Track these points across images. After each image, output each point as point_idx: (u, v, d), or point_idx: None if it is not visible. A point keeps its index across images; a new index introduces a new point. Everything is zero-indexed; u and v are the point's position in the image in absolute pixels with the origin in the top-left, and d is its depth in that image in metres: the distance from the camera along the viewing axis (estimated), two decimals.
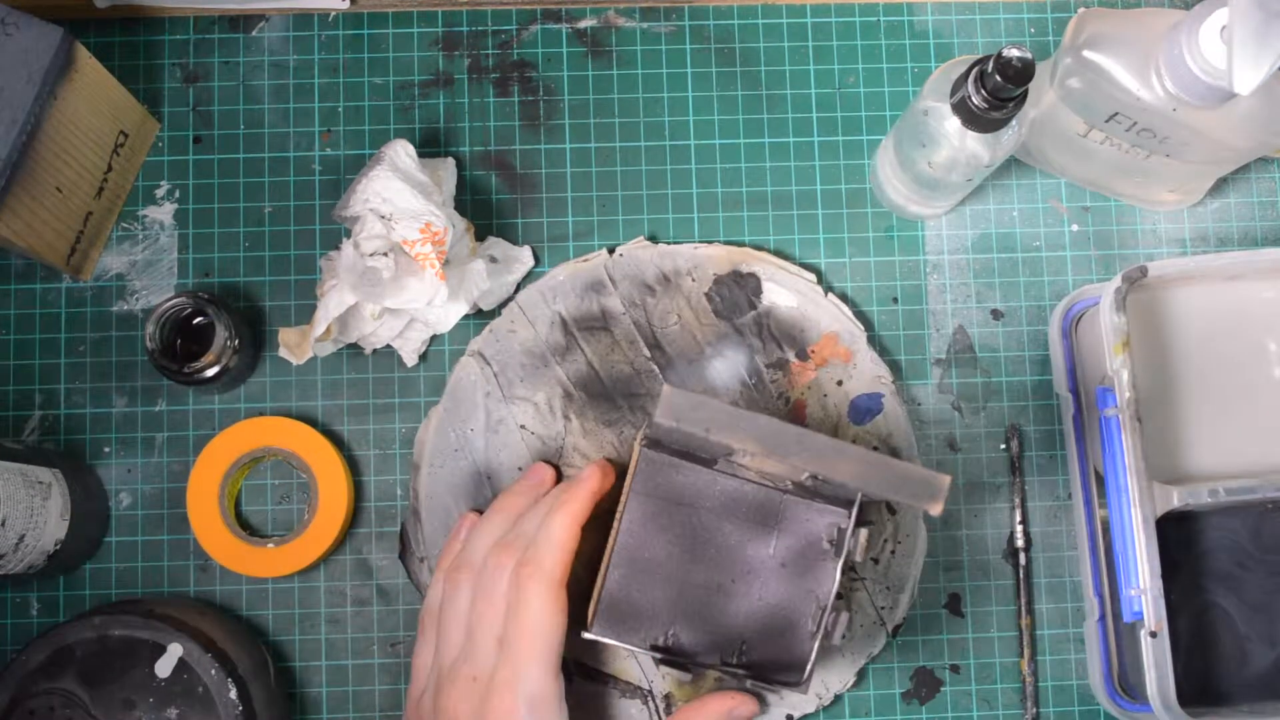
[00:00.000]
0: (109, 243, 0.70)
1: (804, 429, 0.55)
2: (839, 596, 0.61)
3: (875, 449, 0.67)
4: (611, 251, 0.69)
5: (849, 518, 0.59)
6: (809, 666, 0.58)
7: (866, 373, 0.69)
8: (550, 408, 0.68)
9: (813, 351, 0.69)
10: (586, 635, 0.59)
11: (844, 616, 0.58)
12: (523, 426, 0.68)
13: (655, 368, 0.68)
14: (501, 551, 0.59)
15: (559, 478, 0.66)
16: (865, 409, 0.69)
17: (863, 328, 0.69)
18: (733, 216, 0.72)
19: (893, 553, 0.68)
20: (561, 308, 0.68)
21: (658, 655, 0.59)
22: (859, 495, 0.57)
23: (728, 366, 0.68)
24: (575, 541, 0.59)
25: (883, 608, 0.67)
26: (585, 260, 0.69)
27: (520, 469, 0.67)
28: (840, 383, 0.69)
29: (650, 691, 0.66)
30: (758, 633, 0.59)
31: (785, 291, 0.69)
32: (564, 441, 0.68)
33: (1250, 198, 0.74)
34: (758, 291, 0.69)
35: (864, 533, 0.59)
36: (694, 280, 0.69)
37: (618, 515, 0.60)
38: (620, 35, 0.73)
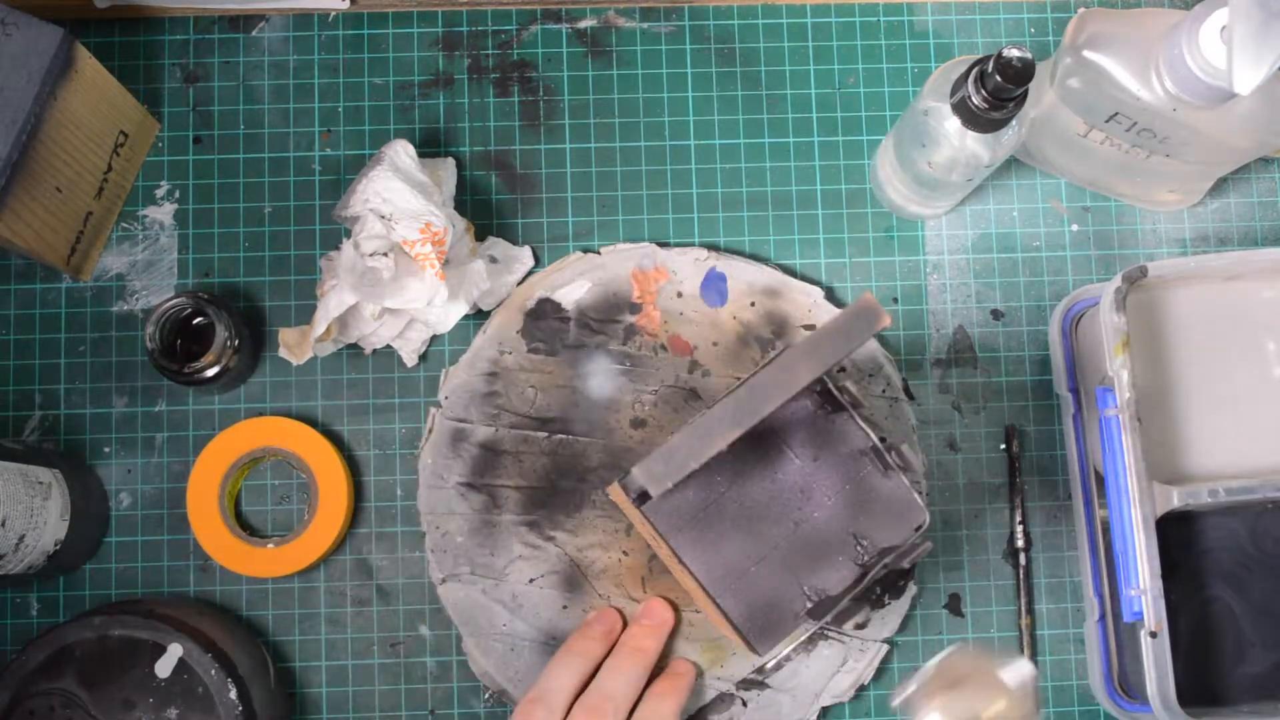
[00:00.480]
0: (109, 243, 0.70)
1: (749, 382, 0.54)
2: (882, 440, 0.62)
3: (753, 304, 0.69)
4: (439, 405, 0.68)
5: (821, 388, 0.60)
6: (916, 500, 0.59)
7: (686, 266, 0.69)
8: (532, 546, 0.68)
9: (638, 298, 0.69)
10: (765, 656, 0.59)
11: (903, 447, 0.59)
12: (531, 581, 0.67)
13: (561, 436, 0.68)
14: (590, 714, 0.60)
15: (624, 621, 0.67)
16: (714, 289, 0.69)
17: (647, 243, 0.70)
18: (733, 216, 0.72)
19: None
20: (455, 478, 0.68)
21: (827, 620, 0.59)
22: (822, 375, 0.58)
23: (600, 377, 0.68)
24: None
25: (883, 390, 0.68)
26: (430, 431, 0.68)
27: (565, 607, 0.67)
28: (679, 294, 0.69)
29: (821, 626, 0.67)
30: (857, 521, 0.60)
31: (573, 285, 0.69)
32: (569, 555, 0.67)
33: (1250, 198, 0.74)
34: (557, 308, 0.69)
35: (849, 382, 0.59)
36: (509, 353, 0.69)
37: (670, 561, 0.60)
38: (620, 35, 0.73)
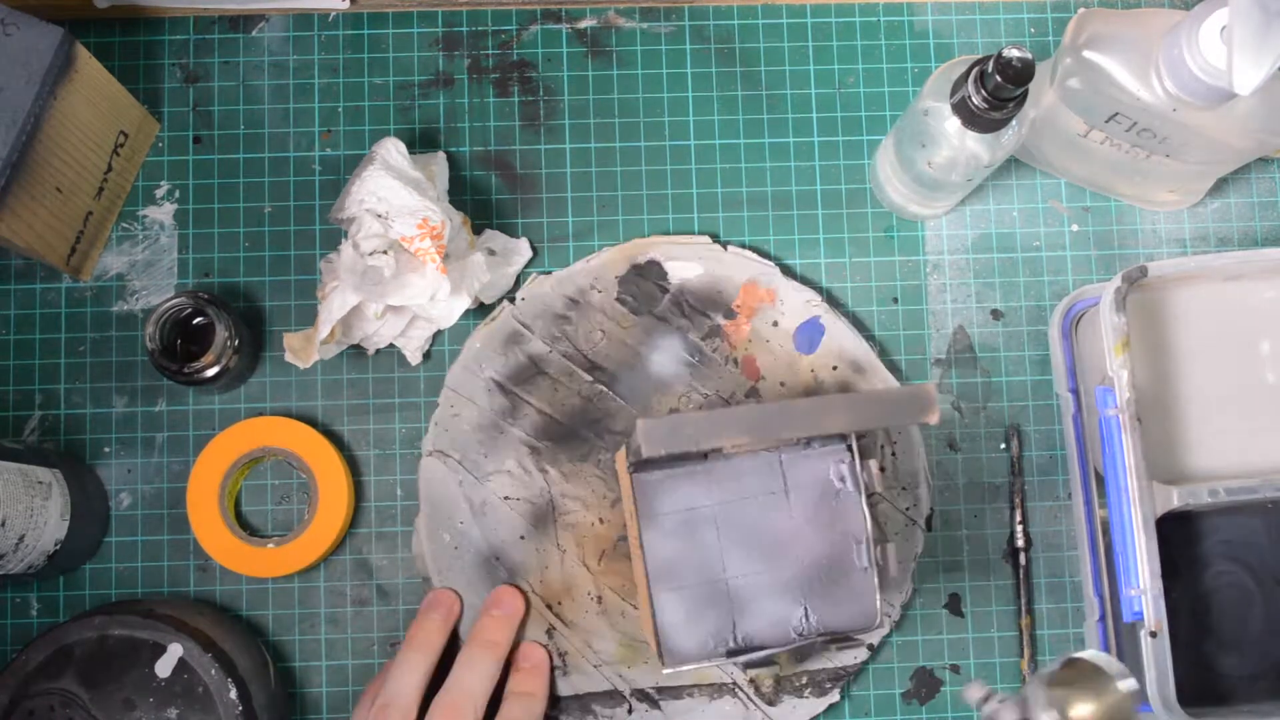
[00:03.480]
0: (109, 243, 0.70)
1: (783, 402, 0.55)
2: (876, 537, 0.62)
3: (835, 368, 0.68)
4: (513, 300, 0.69)
5: (847, 450, 0.60)
6: (876, 605, 0.59)
7: (795, 303, 0.69)
8: (524, 469, 0.68)
9: (737, 307, 0.69)
10: (666, 672, 0.59)
11: (890, 547, 0.59)
12: (506, 498, 0.68)
13: (602, 388, 0.68)
14: (449, 713, 0.60)
15: (525, 603, 0.67)
16: (808, 337, 0.69)
17: (773, 264, 0.70)
18: (733, 216, 0.72)
19: (894, 455, 0.68)
20: (491, 373, 0.68)
21: (739, 660, 0.59)
22: (851, 435, 0.58)
23: (666, 356, 0.69)
24: None
25: (907, 508, 0.68)
26: (492, 320, 0.69)
27: (523, 538, 0.67)
28: (775, 323, 0.69)
29: (735, 684, 0.67)
30: (815, 595, 0.60)
31: (688, 264, 0.69)
32: (551, 494, 0.68)
33: (1250, 198, 0.74)
34: (662, 276, 0.69)
35: (873, 464, 0.60)
36: (599, 291, 0.69)
37: (635, 544, 0.60)
38: (620, 35, 0.73)
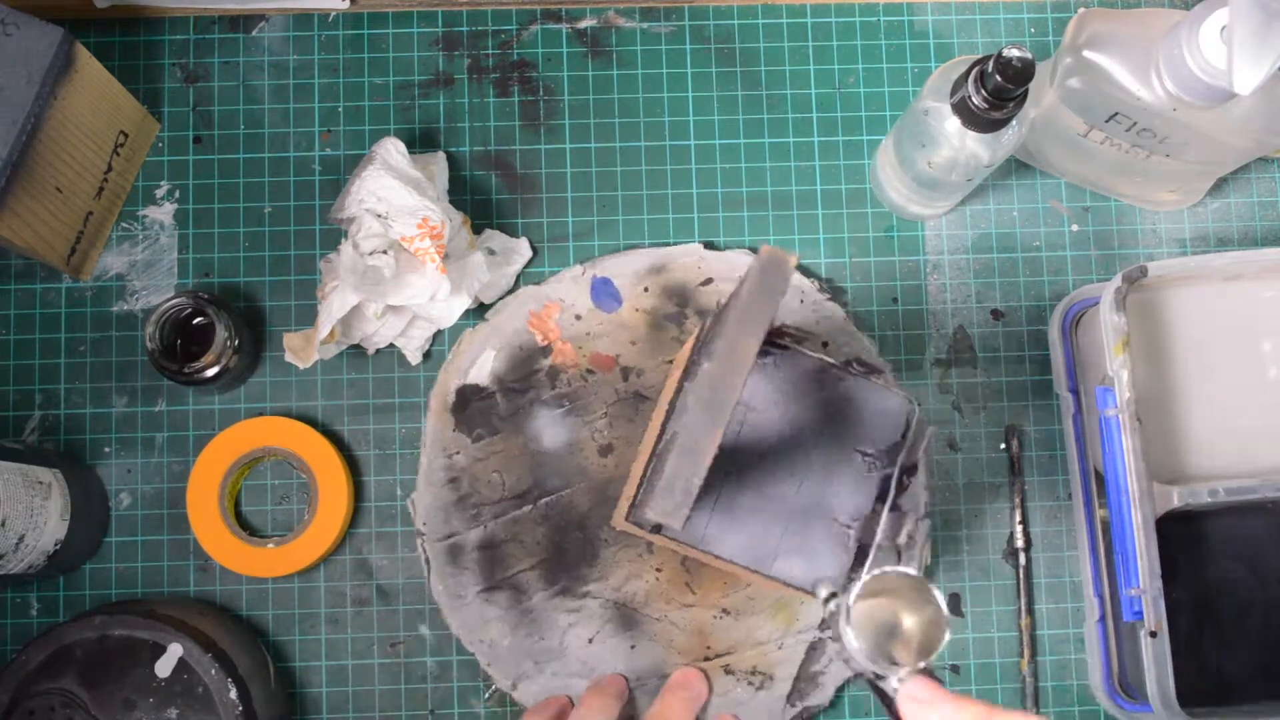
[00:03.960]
0: (109, 243, 0.70)
1: (701, 378, 0.53)
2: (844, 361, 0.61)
3: (645, 289, 0.68)
4: (421, 534, 0.68)
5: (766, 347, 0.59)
6: (898, 391, 0.59)
7: (568, 289, 0.69)
8: (572, 610, 0.67)
9: (543, 341, 0.69)
10: (854, 591, 0.59)
11: (861, 355, 0.58)
12: (590, 641, 0.67)
13: (546, 498, 0.67)
14: None
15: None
16: (605, 296, 0.69)
17: (524, 287, 0.69)
18: (733, 216, 0.72)
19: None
20: (473, 588, 0.67)
21: (880, 538, 0.58)
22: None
23: (550, 429, 0.68)
24: None
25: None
26: (427, 560, 0.67)
27: (633, 647, 0.67)
28: (577, 316, 0.69)
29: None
30: (858, 437, 0.59)
31: (480, 361, 0.68)
32: (610, 599, 0.67)
33: (1250, 198, 0.74)
34: (477, 392, 0.68)
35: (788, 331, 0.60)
36: (456, 453, 0.68)
37: (710, 560, 0.60)
38: (620, 35, 0.73)
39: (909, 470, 0.61)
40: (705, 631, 0.67)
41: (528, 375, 0.69)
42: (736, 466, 0.59)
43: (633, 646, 0.67)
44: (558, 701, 0.66)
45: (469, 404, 0.68)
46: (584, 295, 0.69)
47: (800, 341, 0.60)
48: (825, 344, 0.69)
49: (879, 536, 0.59)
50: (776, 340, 0.60)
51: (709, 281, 0.69)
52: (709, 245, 0.70)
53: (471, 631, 0.67)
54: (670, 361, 0.68)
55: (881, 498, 0.59)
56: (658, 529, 0.58)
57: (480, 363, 0.69)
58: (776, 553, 0.59)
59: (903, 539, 0.61)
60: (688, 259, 0.69)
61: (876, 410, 0.59)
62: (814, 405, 0.60)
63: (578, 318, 0.69)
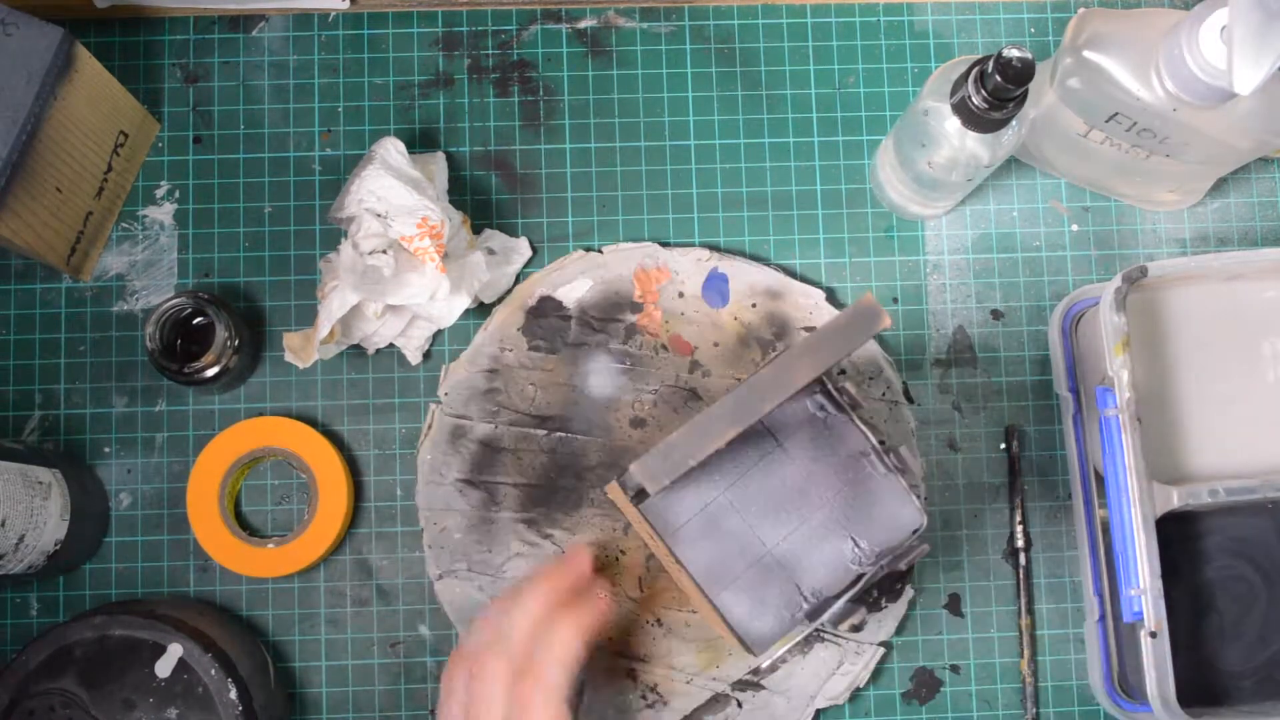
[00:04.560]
0: (109, 243, 0.70)
1: (748, 382, 0.54)
2: (880, 443, 0.61)
3: (754, 305, 0.69)
4: (439, 401, 0.68)
5: (821, 389, 0.60)
6: (915, 503, 0.59)
7: (688, 267, 0.69)
8: (529, 543, 0.68)
9: (640, 297, 0.69)
10: (761, 658, 0.58)
11: (902, 448, 0.59)
12: (517, 553, 0.67)
13: (560, 434, 0.68)
14: (496, 657, 0.56)
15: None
16: (716, 290, 0.69)
17: (650, 242, 0.70)
18: (733, 216, 0.72)
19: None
20: (454, 475, 0.68)
21: (823, 621, 0.58)
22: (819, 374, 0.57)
23: (601, 376, 0.69)
24: (582, 657, 0.56)
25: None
26: (429, 426, 0.68)
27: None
28: (680, 294, 0.69)
29: (819, 630, 0.66)
30: (856, 523, 0.59)
31: (575, 283, 0.69)
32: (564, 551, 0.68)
33: (1250, 198, 0.74)
34: (558, 307, 0.69)
35: (845, 383, 0.60)
36: (509, 350, 0.69)
37: (669, 562, 0.60)
38: (620, 35, 0.73)
39: (897, 578, 0.61)
40: (632, 631, 0.67)
41: (608, 320, 0.69)
42: (740, 489, 0.59)
43: None
44: (576, 565, 0.61)
45: (546, 315, 0.69)
46: (698, 279, 0.69)
47: (855, 408, 0.60)
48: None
49: (822, 619, 0.59)
50: (836, 392, 0.60)
51: (811, 329, 0.69)
52: (829, 297, 0.70)
53: (431, 508, 0.68)
54: (740, 380, 0.68)
55: (847, 591, 0.59)
56: (640, 496, 0.58)
57: (576, 285, 0.69)
58: (730, 584, 0.59)
59: (844, 628, 0.62)
60: (804, 300, 0.70)
61: (887, 506, 0.59)
62: (840, 474, 0.60)
63: (680, 295, 0.69)
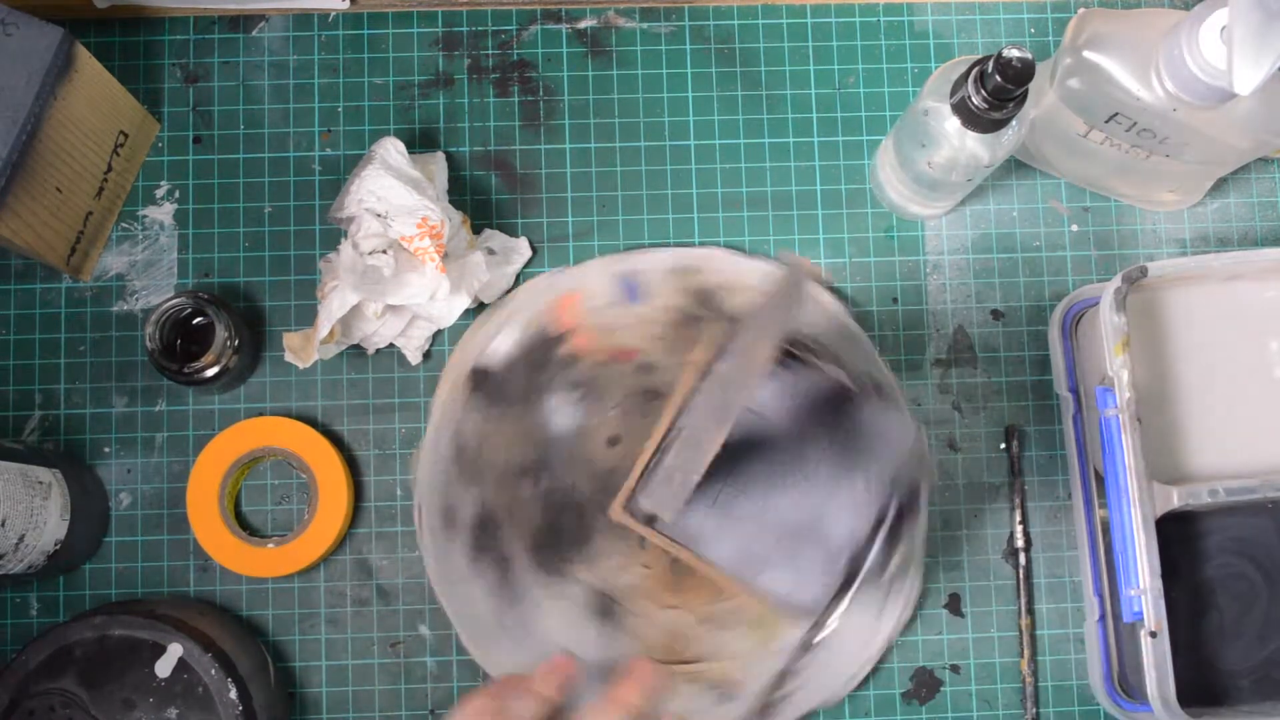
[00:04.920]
0: (109, 243, 0.70)
1: (712, 376, 0.53)
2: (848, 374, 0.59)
3: (675, 288, 0.67)
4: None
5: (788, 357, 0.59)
6: (902, 410, 0.58)
7: (597, 280, 0.68)
8: (556, 594, 0.66)
9: (562, 327, 0.67)
10: (826, 622, 0.57)
11: (871, 370, 0.57)
12: (562, 622, 0.66)
13: (548, 476, 0.66)
14: None
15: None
16: (628, 289, 0.68)
17: (555, 269, 0.69)
18: (733, 216, 0.72)
19: None
20: (460, 549, 0.66)
21: (869, 565, 0.57)
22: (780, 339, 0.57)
23: (561, 413, 0.67)
24: None
25: None
26: (420, 518, 0.67)
27: (599, 636, 0.66)
28: (599, 305, 0.68)
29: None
30: (861, 458, 0.58)
31: (496, 342, 0.67)
32: (593, 585, 0.66)
33: (1250, 198, 0.74)
34: (488, 375, 0.67)
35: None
36: (465, 424, 0.67)
37: (696, 564, 0.59)
38: (620, 35, 0.73)
39: (911, 497, 0.60)
40: (680, 636, 0.66)
41: (546, 360, 0.67)
42: (739, 470, 0.59)
43: (602, 636, 0.66)
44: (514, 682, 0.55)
45: (484, 379, 0.67)
46: (609, 286, 0.68)
47: (816, 355, 0.59)
48: (839, 359, 0.68)
49: (867, 565, 0.58)
50: (793, 351, 0.59)
51: (734, 288, 0.68)
52: (736, 251, 0.70)
53: (449, 585, 0.66)
54: (691, 362, 0.68)
55: (878, 526, 0.58)
56: (651, 521, 0.58)
57: (499, 342, 0.67)
58: (764, 566, 0.58)
59: (891, 570, 0.60)
60: (719, 265, 0.69)
61: (878, 428, 0.59)
62: (825, 420, 0.59)
63: (602, 306, 0.68)
